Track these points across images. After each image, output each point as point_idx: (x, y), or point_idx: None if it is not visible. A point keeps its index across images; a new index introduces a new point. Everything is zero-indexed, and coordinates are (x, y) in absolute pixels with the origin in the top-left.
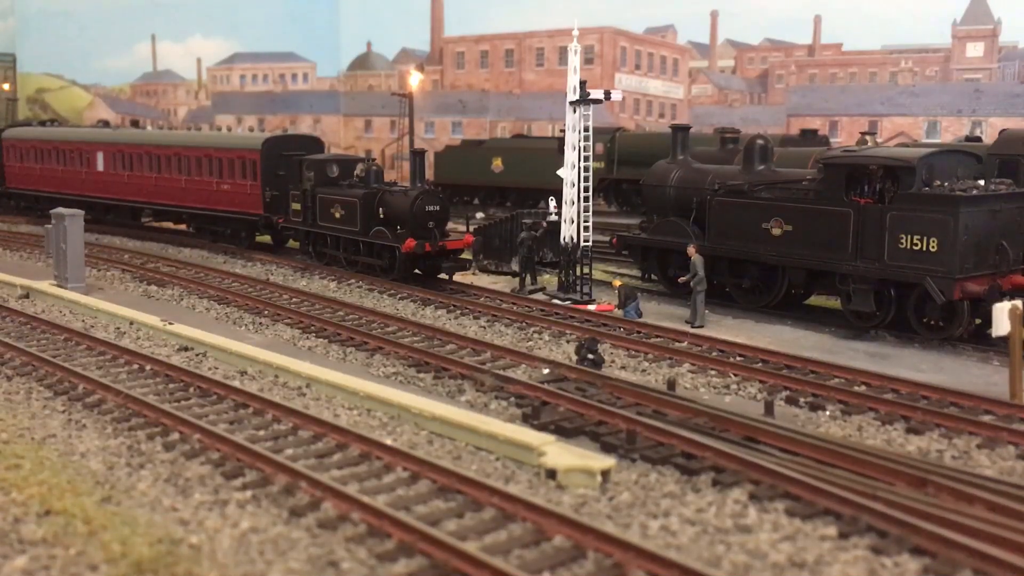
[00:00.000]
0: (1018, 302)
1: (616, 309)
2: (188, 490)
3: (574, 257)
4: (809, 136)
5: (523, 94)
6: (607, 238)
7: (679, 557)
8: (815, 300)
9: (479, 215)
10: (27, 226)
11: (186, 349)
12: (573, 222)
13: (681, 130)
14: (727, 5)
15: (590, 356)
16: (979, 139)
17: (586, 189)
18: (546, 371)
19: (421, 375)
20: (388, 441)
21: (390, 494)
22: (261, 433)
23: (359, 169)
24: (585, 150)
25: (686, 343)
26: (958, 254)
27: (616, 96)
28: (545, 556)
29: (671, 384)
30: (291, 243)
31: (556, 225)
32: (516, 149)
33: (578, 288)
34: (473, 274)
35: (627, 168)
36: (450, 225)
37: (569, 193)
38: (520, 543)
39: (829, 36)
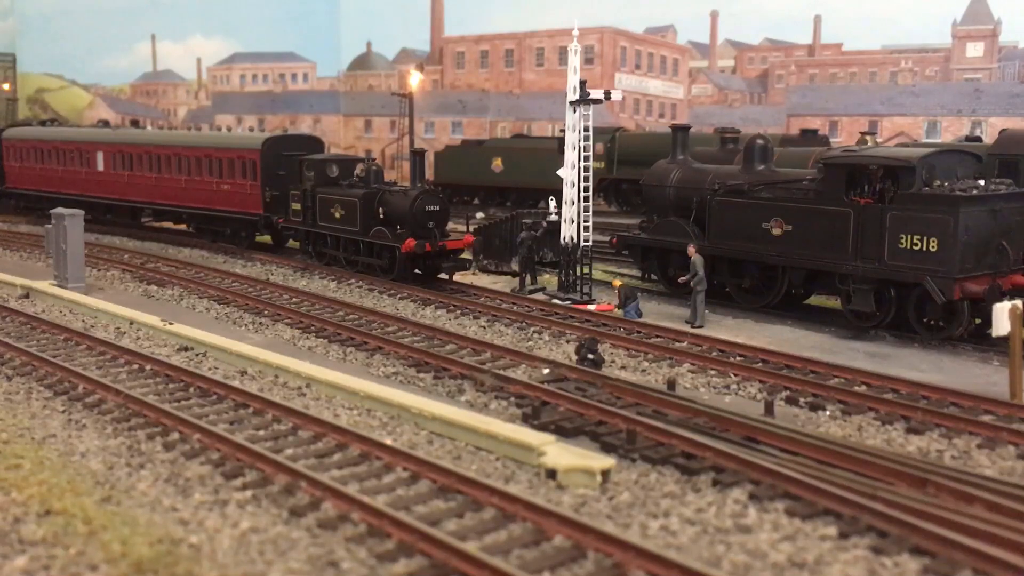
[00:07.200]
0: (1018, 302)
1: (616, 309)
2: (188, 490)
3: (574, 257)
4: (809, 136)
5: (523, 94)
6: (607, 238)
7: (679, 557)
8: (815, 300)
9: (479, 215)
10: (27, 226)
11: (186, 349)
12: (573, 222)
13: (681, 130)
14: (727, 5)
15: (590, 356)
16: (979, 139)
17: (586, 189)
18: (546, 371)
19: (421, 375)
20: (388, 441)
21: (390, 494)
22: (261, 433)
23: (359, 169)
24: (585, 150)
25: (686, 343)
26: (958, 254)
27: (616, 96)
28: (545, 556)
29: (671, 384)
30: (291, 243)
31: (556, 225)
32: (516, 149)
33: (578, 288)
34: (473, 274)
35: (627, 168)
36: (450, 225)
37: (569, 193)
38: (520, 543)
39: (829, 36)
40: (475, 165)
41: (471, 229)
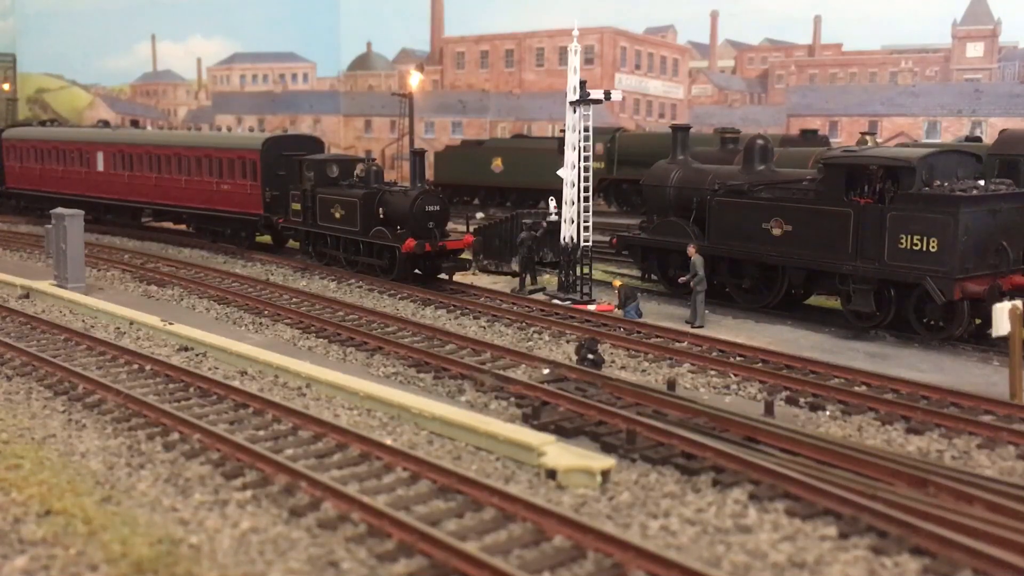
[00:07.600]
0: (1018, 302)
1: (616, 309)
2: (188, 490)
3: (574, 257)
4: (809, 136)
5: (523, 94)
6: (607, 238)
7: (679, 557)
8: (815, 300)
9: (479, 215)
10: (27, 226)
11: (186, 349)
12: (573, 222)
13: (681, 130)
14: (727, 5)
15: (590, 356)
16: (979, 139)
17: (586, 189)
18: (546, 371)
19: (421, 375)
20: (388, 441)
21: (390, 494)
22: (261, 433)
23: (359, 169)
24: (585, 150)
25: (686, 343)
26: (958, 254)
27: (616, 96)
28: (545, 556)
29: (671, 384)
30: (291, 243)
31: (556, 225)
32: (516, 149)
33: (578, 288)
34: (473, 274)
35: (627, 168)
36: (450, 225)
37: (569, 193)
38: (520, 543)
39: (829, 36)
40: (475, 165)
41: (471, 229)
